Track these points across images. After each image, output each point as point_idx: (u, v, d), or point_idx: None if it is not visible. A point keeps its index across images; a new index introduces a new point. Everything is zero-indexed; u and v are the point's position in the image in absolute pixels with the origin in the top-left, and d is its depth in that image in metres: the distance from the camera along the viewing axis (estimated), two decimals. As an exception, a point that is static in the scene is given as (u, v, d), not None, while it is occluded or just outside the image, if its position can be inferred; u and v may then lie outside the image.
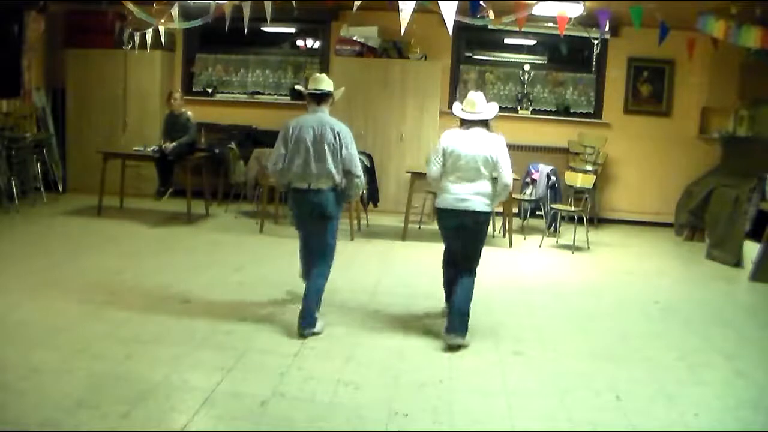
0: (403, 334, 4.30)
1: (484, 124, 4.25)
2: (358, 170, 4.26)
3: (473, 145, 4.17)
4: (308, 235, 4.40)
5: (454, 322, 4.10)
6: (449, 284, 4.45)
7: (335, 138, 4.16)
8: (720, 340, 4.51)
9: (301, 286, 4.85)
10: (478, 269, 4.33)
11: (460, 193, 4.16)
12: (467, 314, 4.15)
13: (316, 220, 4.29)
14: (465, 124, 4.26)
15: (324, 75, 4.39)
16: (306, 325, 4.14)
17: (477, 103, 4.24)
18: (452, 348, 4.04)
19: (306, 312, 4.16)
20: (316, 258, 4.35)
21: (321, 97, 4.27)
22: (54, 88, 8.81)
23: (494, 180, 4.23)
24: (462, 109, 4.28)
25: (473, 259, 4.28)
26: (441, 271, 4.59)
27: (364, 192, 7.48)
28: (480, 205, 4.15)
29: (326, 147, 4.15)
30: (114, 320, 4.24)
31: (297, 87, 4.70)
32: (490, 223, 7.61)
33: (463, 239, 4.26)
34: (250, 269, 5.65)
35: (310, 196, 4.21)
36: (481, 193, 4.16)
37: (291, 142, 4.20)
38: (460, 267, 4.29)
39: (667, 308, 5.21)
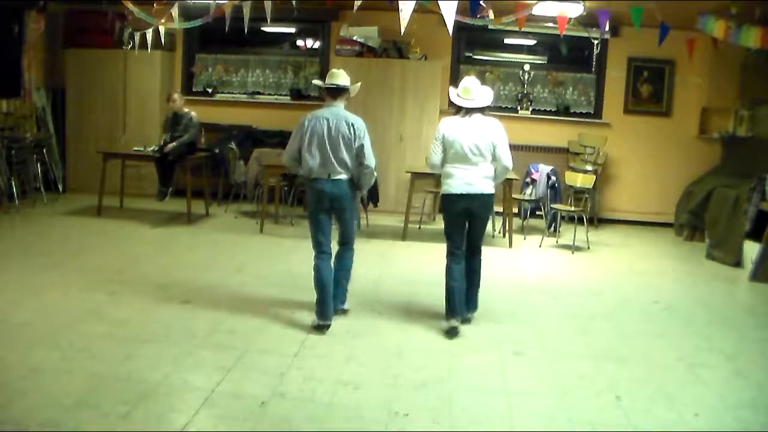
0: (403, 334, 4.30)
1: (481, 109, 4.40)
2: (372, 161, 4.40)
3: (473, 133, 4.34)
4: (324, 223, 4.49)
5: (473, 300, 4.60)
6: (452, 293, 4.38)
7: (350, 130, 4.32)
8: (720, 340, 4.51)
9: (300, 285, 4.85)
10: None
11: (467, 178, 4.34)
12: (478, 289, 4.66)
13: (334, 209, 4.43)
14: (462, 110, 4.39)
15: (341, 70, 4.52)
16: (338, 302, 4.48)
17: (472, 89, 4.37)
18: (466, 321, 4.51)
19: (338, 291, 4.49)
20: (340, 241, 4.57)
21: (337, 92, 4.42)
22: (54, 88, 8.81)
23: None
24: (458, 95, 4.41)
25: (482, 237, 4.60)
26: (445, 275, 4.48)
27: (364, 192, 7.48)
28: (486, 187, 4.39)
29: (341, 139, 4.30)
30: (114, 320, 4.24)
31: (315, 82, 4.84)
32: (490, 222, 7.65)
33: (472, 222, 4.46)
34: (250, 269, 5.65)
35: (328, 185, 4.33)
36: (486, 176, 4.38)
37: (306, 136, 4.35)
38: (470, 248, 4.53)
39: (667, 308, 5.21)
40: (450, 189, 4.38)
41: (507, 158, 4.39)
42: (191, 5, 6.60)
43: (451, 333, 4.31)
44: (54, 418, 2.97)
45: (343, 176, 4.34)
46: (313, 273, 4.34)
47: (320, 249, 4.39)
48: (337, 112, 4.36)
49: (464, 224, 4.45)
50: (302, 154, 4.35)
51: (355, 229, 4.61)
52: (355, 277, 5.43)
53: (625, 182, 8.72)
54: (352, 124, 4.32)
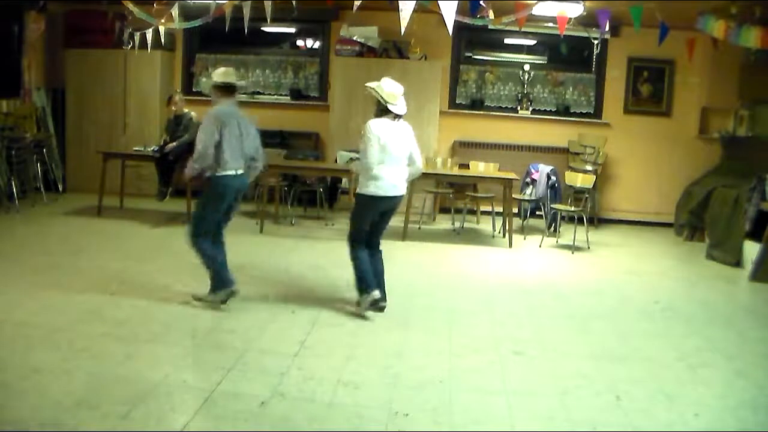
0: (403, 333, 4.30)
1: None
2: (261, 156, 4.73)
3: (400, 137, 4.51)
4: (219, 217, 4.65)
5: (383, 289, 4.58)
6: (367, 272, 4.57)
7: (253, 129, 4.61)
8: (720, 340, 4.51)
9: (300, 285, 4.86)
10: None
11: (393, 180, 4.49)
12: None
13: (235, 200, 4.67)
14: (391, 114, 4.48)
15: (232, 68, 4.72)
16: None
17: (398, 96, 4.49)
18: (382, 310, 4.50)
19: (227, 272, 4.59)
20: (222, 231, 4.72)
21: (234, 90, 4.59)
22: (54, 88, 8.81)
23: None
24: (386, 101, 4.45)
25: (382, 233, 4.73)
26: (354, 260, 4.62)
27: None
28: (404, 189, 4.62)
29: (249, 137, 4.56)
30: (114, 320, 4.24)
31: (206, 80, 4.85)
32: (492, 222, 7.66)
33: (382, 219, 4.65)
34: (250, 269, 5.64)
35: (237, 180, 4.55)
36: (405, 178, 4.62)
37: (225, 133, 4.43)
38: (373, 243, 4.66)
39: (667, 308, 5.21)
40: (377, 191, 4.43)
41: (420, 160, 4.66)
42: (191, 5, 6.60)
43: (379, 303, 4.47)
44: (54, 418, 2.96)
45: (243, 170, 4.57)
46: (211, 253, 4.54)
47: (214, 229, 4.61)
48: (238, 111, 4.58)
49: (380, 219, 4.63)
50: (217, 150, 4.42)
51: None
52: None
53: (625, 182, 8.72)
54: (250, 122, 4.59)
